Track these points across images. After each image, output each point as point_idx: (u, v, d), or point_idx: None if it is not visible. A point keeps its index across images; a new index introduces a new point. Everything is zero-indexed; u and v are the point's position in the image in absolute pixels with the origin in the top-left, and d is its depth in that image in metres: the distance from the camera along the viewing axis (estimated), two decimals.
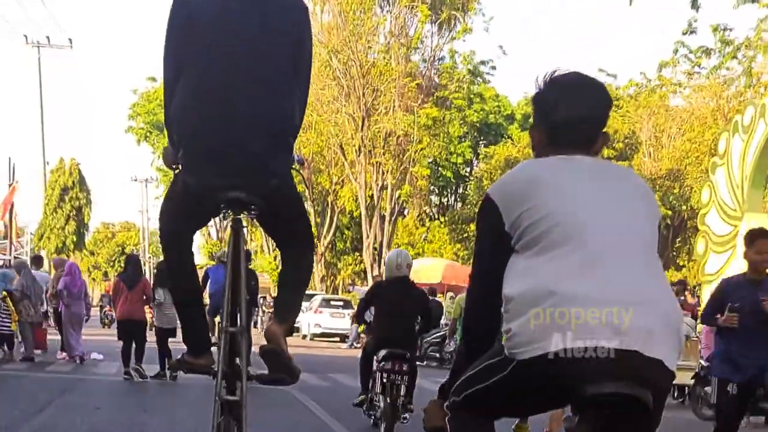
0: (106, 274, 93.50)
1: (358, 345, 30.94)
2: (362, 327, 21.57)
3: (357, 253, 54.94)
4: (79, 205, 59.04)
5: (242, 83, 4.18)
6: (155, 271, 18.83)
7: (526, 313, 2.84)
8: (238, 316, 4.37)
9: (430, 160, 45.27)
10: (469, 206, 48.84)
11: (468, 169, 56.37)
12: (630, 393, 2.78)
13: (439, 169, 48.78)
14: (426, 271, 31.10)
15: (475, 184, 48.82)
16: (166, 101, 4.40)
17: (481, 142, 53.64)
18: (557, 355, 2.76)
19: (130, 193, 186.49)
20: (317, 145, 46.16)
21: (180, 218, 4.51)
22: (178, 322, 4.90)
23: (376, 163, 41.99)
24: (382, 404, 9.75)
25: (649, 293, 2.87)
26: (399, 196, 43.08)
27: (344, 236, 55.00)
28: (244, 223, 4.40)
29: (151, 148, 64.82)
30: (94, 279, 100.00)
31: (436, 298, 24.64)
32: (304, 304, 35.03)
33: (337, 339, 36.06)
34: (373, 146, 41.90)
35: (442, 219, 54.35)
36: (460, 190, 57.35)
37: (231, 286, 4.33)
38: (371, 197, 43.18)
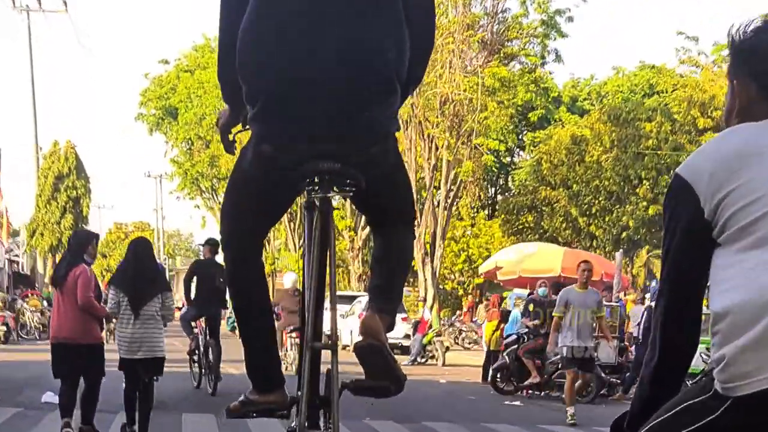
0: None
1: (423, 360, 23.88)
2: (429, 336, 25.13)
3: None
4: (77, 195, 51.10)
5: (336, 8, 3.31)
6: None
7: (748, 331, 2.16)
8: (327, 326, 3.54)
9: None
10: (524, 195, 42.45)
11: (510, 158, 48.90)
12: None
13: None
14: (537, 260, 22.53)
15: (531, 168, 41.24)
16: (223, 37, 3.53)
17: (524, 128, 46.02)
18: None
19: (145, 190, 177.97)
20: None
21: (249, 210, 3.57)
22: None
23: (429, 136, 33.81)
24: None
25: None
26: (457, 176, 34.77)
27: None
28: (334, 204, 3.48)
29: (164, 137, 58.33)
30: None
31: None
32: (344, 308, 31.60)
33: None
34: (425, 117, 33.71)
35: (483, 213, 48.78)
36: (501, 182, 51.83)
37: (317, 287, 3.43)
38: (421, 179, 35.13)
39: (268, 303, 3.76)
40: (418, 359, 25.69)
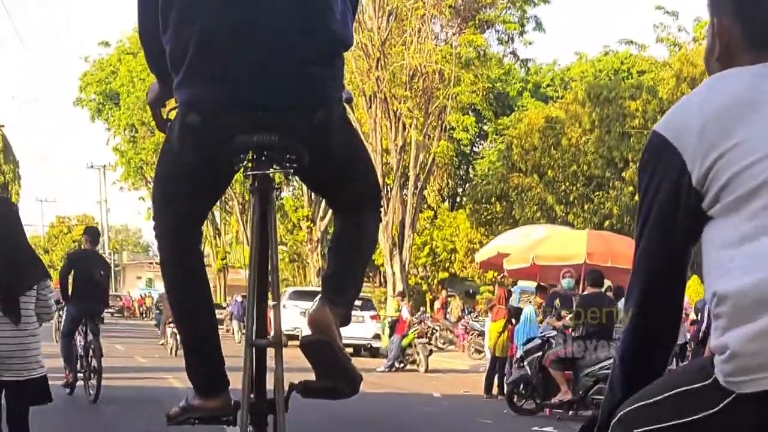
0: None
1: (401, 366, 20.51)
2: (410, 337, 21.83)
3: None
4: (4, 181, 45.79)
5: None
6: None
7: (759, 318, 1.77)
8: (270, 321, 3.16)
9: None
10: (493, 183, 38.44)
11: (471, 148, 45.92)
12: None
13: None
14: (553, 245, 18.41)
15: (500, 154, 37.99)
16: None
17: (484, 118, 42.85)
18: None
19: (88, 182, 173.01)
20: None
21: (182, 195, 3.14)
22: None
23: (396, 114, 30.07)
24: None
25: None
26: (430, 157, 31.10)
27: None
28: (276, 183, 3.07)
29: (106, 124, 53.33)
30: (51, 279, 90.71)
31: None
32: (305, 305, 28.15)
33: (354, 351, 26.68)
34: (392, 92, 30.02)
35: (445, 204, 45.90)
36: (461, 173, 49.16)
37: (257, 279, 3.04)
38: (386, 164, 31.55)
39: (209, 298, 3.34)
40: (396, 364, 21.85)
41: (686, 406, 1.88)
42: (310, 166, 3.01)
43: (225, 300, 51.65)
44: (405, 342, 21.94)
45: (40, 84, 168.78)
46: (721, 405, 1.82)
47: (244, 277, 41.50)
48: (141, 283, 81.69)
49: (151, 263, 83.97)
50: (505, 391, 14.42)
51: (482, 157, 45.78)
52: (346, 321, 3.20)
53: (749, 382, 1.78)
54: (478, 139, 47.98)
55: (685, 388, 1.91)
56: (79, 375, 12.51)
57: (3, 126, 44.64)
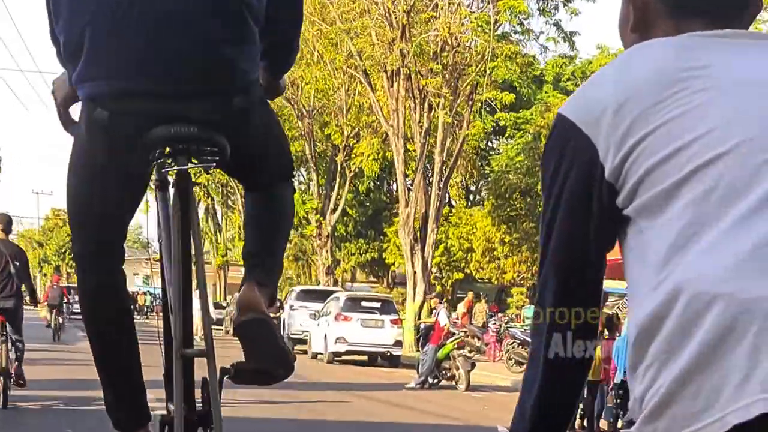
0: (57, 268, 79.63)
1: (435, 382, 16.94)
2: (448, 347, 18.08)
3: (361, 239, 40.36)
4: None
5: None
6: None
7: (687, 347, 1.35)
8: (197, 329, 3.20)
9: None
10: (517, 176, 36.15)
11: (486, 143, 42.61)
12: None
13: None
14: None
15: (524, 146, 34.75)
16: None
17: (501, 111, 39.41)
18: (753, 424, 1.29)
19: None
20: (324, 81, 31.07)
21: (97, 200, 2.93)
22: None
23: (421, 92, 26.24)
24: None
25: None
26: (459, 143, 27.25)
27: (346, 218, 40.22)
28: (194, 178, 2.83)
29: None
30: (45, 274, 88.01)
31: None
32: (314, 306, 27.16)
33: (369, 360, 24.63)
34: (417, 67, 26.21)
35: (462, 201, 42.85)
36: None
37: (182, 285, 2.73)
38: (409, 151, 27.83)
39: (130, 321, 3.09)
40: (430, 380, 17.86)
41: None
42: (232, 157, 2.74)
43: (225, 299, 48.27)
44: (441, 353, 17.94)
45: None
46: None
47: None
48: (138, 279, 78.46)
49: (148, 260, 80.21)
50: (595, 425, 10.58)
51: (498, 153, 42.24)
52: (273, 300, 3.02)
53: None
54: (492, 135, 44.44)
55: None
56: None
57: None
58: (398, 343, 24.12)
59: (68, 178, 2.94)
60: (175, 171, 2.68)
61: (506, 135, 43.04)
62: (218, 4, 2.63)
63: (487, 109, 35.39)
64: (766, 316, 1.30)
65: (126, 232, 3.08)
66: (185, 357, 2.73)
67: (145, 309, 65.92)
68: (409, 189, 29.45)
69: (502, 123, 40.39)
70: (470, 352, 23.81)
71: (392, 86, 27.42)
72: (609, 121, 1.49)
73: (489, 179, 41.98)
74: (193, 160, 2.68)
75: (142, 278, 78.93)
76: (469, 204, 44.06)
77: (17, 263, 11.32)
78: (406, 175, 28.86)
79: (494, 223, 36.91)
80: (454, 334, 18.39)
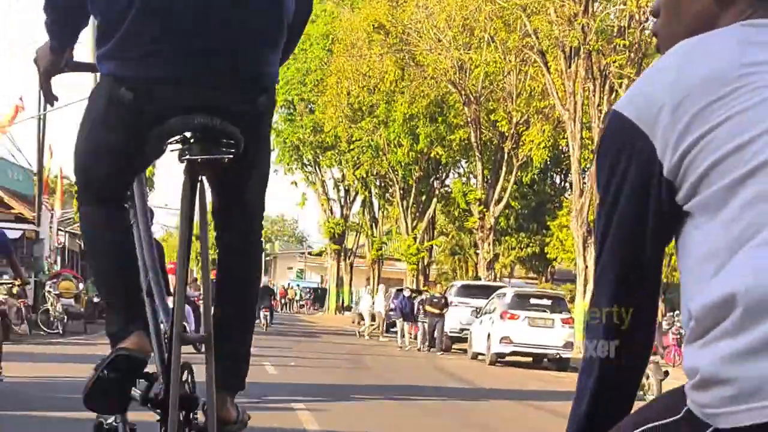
0: (214, 261, 79.87)
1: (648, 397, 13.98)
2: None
3: (522, 233, 38.63)
4: None
5: None
6: None
7: (741, 334, 1.40)
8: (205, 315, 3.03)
9: None
10: None
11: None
12: None
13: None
14: None
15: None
16: None
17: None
18: None
19: None
20: (495, 63, 29.31)
21: (101, 175, 2.95)
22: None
23: (602, 71, 24.10)
24: None
25: None
26: None
27: (507, 210, 38.27)
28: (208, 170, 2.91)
29: None
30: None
31: None
32: (472, 302, 26.11)
33: (534, 362, 23.06)
34: (599, 45, 24.10)
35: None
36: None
37: (182, 268, 2.83)
38: (589, 139, 25.74)
39: (134, 262, 3.02)
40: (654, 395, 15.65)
41: None
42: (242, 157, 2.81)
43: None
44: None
45: None
46: None
47: (399, 269, 36.31)
48: (291, 273, 78.47)
49: (303, 254, 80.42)
50: None
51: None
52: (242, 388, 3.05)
53: (731, 414, 1.41)
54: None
55: (653, 424, 1.59)
56: None
57: None
58: (569, 345, 22.14)
59: (77, 144, 2.96)
60: (191, 159, 2.74)
61: None
62: (259, 4, 2.72)
63: None
64: None
65: (131, 183, 3.07)
66: (186, 341, 2.83)
67: (295, 303, 65.51)
68: (583, 178, 27.28)
69: None
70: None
71: (570, 67, 25.38)
72: (667, 119, 1.50)
73: None
74: (210, 152, 2.71)
75: (295, 272, 78.87)
76: None
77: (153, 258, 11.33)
78: (580, 163, 26.72)
79: None
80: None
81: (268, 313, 31.48)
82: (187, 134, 2.74)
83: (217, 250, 3.02)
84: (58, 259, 34.33)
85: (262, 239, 3.16)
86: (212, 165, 2.77)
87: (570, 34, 24.51)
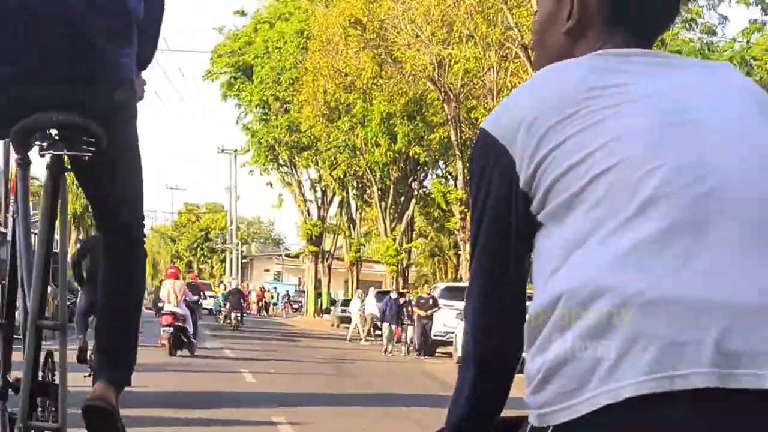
0: (189, 264, 79.09)
1: None
2: None
3: None
4: None
5: None
6: None
7: (565, 331, 1.54)
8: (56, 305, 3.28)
9: None
10: None
11: None
12: None
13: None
14: None
15: None
16: None
17: None
18: (622, 405, 1.45)
19: (219, 167, 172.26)
20: (475, 60, 28.63)
21: None
22: None
23: None
24: None
25: None
26: None
27: None
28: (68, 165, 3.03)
29: (237, 99, 48.02)
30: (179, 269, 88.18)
31: None
32: (457, 305, 24.74)
33: (522, 367, 18.99)
34: None
35: None
36: None
37: (44, 260, 3.00)
38: None
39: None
40: None
41: None
42: (104, 153, 2.87)
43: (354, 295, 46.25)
44: None
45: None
46: None
47: (377, 272, 35.30)
48: (269, 276, 77.50)
49: (280, 256, 79.48)
50: None
51: None
52: (128, 384, 3.12)
53: (560, 411, 1.53)
54: None
55: None
56: None
57: None
58: None
59: None
60: (51, 155, 2.84)
61: None
62: (102, 2, 2.80)
63: None
64: (637, 309, 1.46)
65: None
66: (39, 327, 2.98)
67: (271, 305, 64.39)
68: None
69: None
70: None
71: None
72: (523, 136, 1.64)
73: None
74: (70, 149, 2.80)
75: (272, 274, 77.89)
76: None
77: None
78: None
79: None
80: None
81: (238, 315, 33.78)
82: (53, 131, 2.79)
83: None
84: None
85: (143, 231, 3.20)
86: (74, 161, 2.87)
87: None
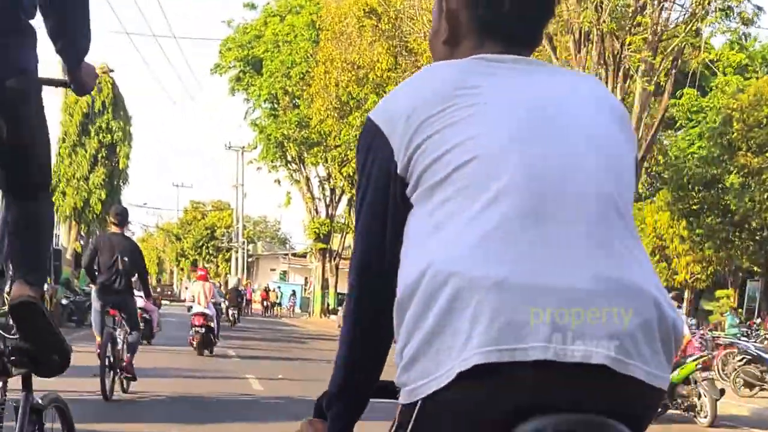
0: (195, 263, 77.82)
1: (662, 412, 12.67)
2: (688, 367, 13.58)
3: None
4: (112, 140, 37.13)
5: None
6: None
7: (425, 316, 1.71)
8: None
9: None
10: (702, 165, 31.99)
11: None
12: (595, 430, 1.68)
13: None
14: None
15: (710, 132, 30.82)
16: None
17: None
18: (471, 372, 1.65)
19: (226, 164, 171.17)
20: None
21: None
22: None
23: (616, 56, 22.24)
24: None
25: (621, 276, 1.73)
26: (662, 112, 23.05)
27: None
28: None
29: (245, 94, 46.68)
30: (182, 269, 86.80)
31: None
32: None
33: None
34: (611, 29, 22.17)
35: None
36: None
37: None
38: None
39: None
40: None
41: None
42: (6, 136, 3.03)
43: None
44: (679, 375, 13.35)
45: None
46: (414, 416, 1.74)
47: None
48: (275, 275, 76.22)
49: (286, 255, 78.22)
50: None
51: (673, 137, 38.52)
52: (41, 285, 3.28)
53: (423, 386, 1.70)
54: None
55: None
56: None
57: (113, 71, 35.55)
58: None
59: None
60: None
61: (676, 125, 38.63)
62: None
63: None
64: (485, 290, 1.62)
65: None
66: None
67: (274, 306, 62.87)
68: None
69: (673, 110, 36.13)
70: None
71: (580, 51, 23.26)
72: (401, 127, 1.83)
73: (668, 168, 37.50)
74: None
75: (278, 274, 76.59)
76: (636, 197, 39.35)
77: (126, 259, 11.31)
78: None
79: (673, 217, 32.70)
80: (699, 349, 13.99)
81: (235, 312, 35.82)
82: None
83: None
84: None
85: (47, 181, 3.38)
86: None
87: (583, 14, 22.43)
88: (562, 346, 1.60)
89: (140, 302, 13.76)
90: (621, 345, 1.62)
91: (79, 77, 3.28)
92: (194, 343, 19.33)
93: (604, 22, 22.23)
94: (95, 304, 11.63)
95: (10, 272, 3.33)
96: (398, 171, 1.83)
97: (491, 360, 1.59)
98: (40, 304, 3.16)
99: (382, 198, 1.87)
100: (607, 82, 23.47)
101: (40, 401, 3.58)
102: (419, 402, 1.69)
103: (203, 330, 19.11)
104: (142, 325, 13.24)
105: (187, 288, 54.88)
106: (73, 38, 3.13)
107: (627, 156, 1.86)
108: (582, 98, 1.88)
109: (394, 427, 1.81)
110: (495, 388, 1.61)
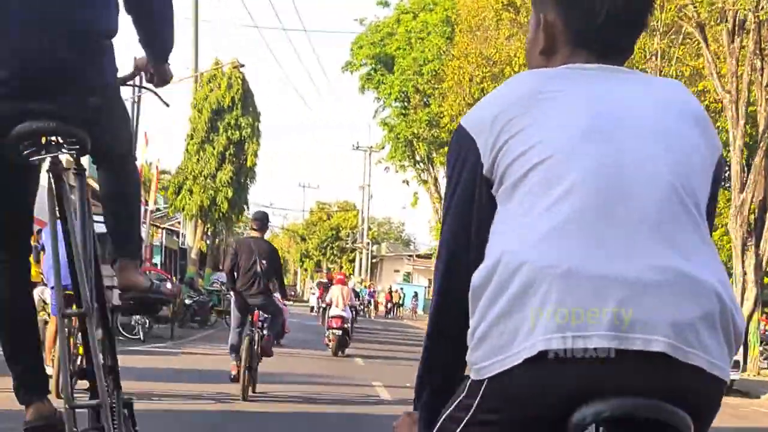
0: (318, 263, 78.06)
1: None
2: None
3: None
4: (240, 137, 35.58)
5: None
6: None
7: (497, 300, 1.83)
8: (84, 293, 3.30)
9: None
10: None
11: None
12: (653, 414, 1.74)
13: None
14: None
15: None
16: None
17: None
18: (536, 358, 1.74)
19: (353, 164, 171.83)
20: (640, 41, 25.93)
21: None
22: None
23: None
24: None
25: (683, 268, 1.78)
26: None
27: None
28: (65, 164, 3.37)
29: (375, 92, 46.38)
30: (306, 270, 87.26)
31: None
32: None
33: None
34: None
35: None
36: None
37: (56, 263, 3.27)
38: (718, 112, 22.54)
39: (25, 324, 3.60)
40: None
41: (459, 411, 1.90)
42: (92, 145, 3.26)
43: None
44: None
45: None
46: (476, 404, 1.84)
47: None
48: (398, 276, 75.82)
49: (411, 256, 77.78)
50: None
51: None
52: (138, 254, 3.73)
53: (489, 366, 1.80)
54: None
55: (448, 411, 1.94)
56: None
57: (243, 66, 35.26)
58: (735, 365, 18.85)
59: None
60: (49, 159, 3.20)
61: None
62: (60, 17, 3.11)
63: None
64: (553, 279, 1.72)
65: (26, 222, 3.54)
66: (65, 316, 3.30)
67: (397, 307, 62.44)
68: (746, 168, 23.85)
69: None
70: None
71: (734, 41, 21.99)
72: (488, 131, 1.94)
73: None
74: (63, 150, 3.18)
75: (402, 275, 76.18)
76: None
77: (264, 261, 11.58)
78: (742, 153, 23.30)
79: None
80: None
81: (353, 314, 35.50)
82: (33, 140, 3.13)
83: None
84: (159, 258, 32.25)
85: (130, 151, 3.78)
86: (69, 162, 3.37)
87: (739, 1, 21.15)
88: (623, 334, 1.68)
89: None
90: (681, 334, 1.69)
91: (162, 71, 3.68)
92: (331, 344, 20.34)
93: (762, 8, 20.92)
94: (235, 311, 11.91)
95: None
96: (484, 172, 1.95)
97: (555, 347, 1.69)
98: (152, 285, 3.74)
99: (469, 202, 1.99)
100: (762, 74, 22.14)
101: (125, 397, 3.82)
102: (485, 381, 1.80)
103: (340, 332, 20.12)
104: None
105: (311, 289, 54.85)
106: (162, 39, 3.55)
107: (699, 156, 1.91)
108: (655, 102, 1.94)
109: (460, 399, 1.88)
110: (557, 373, 1.70)
